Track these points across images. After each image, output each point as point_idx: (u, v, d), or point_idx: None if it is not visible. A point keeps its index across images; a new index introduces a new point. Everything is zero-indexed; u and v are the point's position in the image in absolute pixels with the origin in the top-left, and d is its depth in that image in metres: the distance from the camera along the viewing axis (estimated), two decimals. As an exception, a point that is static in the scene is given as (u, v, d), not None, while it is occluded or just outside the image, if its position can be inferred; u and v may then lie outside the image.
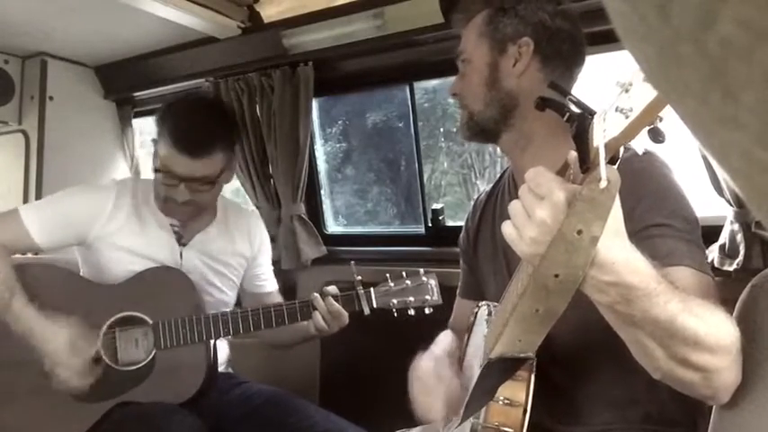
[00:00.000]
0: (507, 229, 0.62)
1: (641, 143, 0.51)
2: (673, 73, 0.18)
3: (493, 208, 1.12)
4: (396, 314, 1.29)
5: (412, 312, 1.28)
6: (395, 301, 1.28)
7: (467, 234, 1.18)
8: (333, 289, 1.30)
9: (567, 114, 0.57)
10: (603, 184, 0.50)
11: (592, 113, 0.54)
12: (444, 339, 1.08)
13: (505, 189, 1.10)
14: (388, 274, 1.31)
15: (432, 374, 0.94)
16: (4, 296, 1.20)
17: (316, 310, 1.27)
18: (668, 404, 0.89)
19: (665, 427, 0.90)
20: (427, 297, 1.29)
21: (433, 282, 1.30)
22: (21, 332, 1.20)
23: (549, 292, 0.58)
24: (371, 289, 1.29)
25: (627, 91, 0.48)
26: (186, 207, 1.33)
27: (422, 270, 1.31)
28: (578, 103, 0.57)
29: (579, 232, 0.54)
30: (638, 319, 0.62)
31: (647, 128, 0.48)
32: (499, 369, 0.70)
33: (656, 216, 0.80)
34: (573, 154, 0.57)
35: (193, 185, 1.29)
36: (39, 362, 1.24)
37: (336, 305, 1.26)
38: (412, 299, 1.28)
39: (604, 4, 0.19)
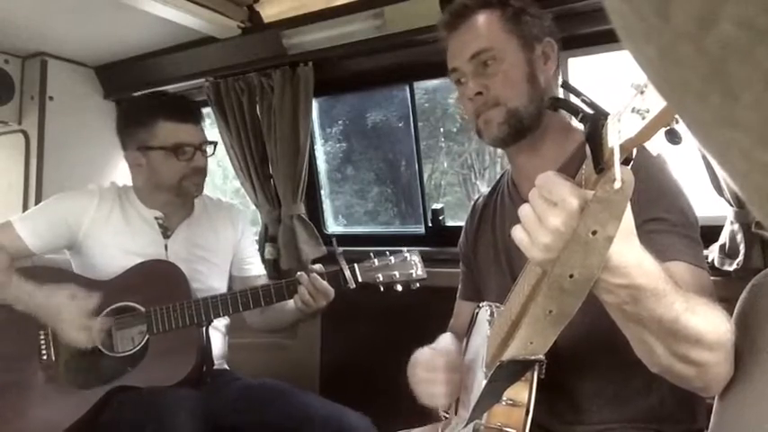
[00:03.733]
0: (518, 234, 0.62)
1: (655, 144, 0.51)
2: (673, 73, 0.18)
3: (492, 211, 1.12)
4: (382, 289, 1.31)
5: (399, 288, 1.31)
6: (380, 276, 1.31)
7: (466, 237, 1.18)
8: (318, 267, 1.33)
9: (581, 115, 0.57)
10: (618, 185, 0.50)
11: (605, 115, 0.54)
12: (445, 339, 1.09)
13: (504, 191, 1.10)
14: (372, 253, 1.33)
15: (435, 357, 0.95)
16: (2, 276, 1.28)
17: (301, 285, 1.29)
18: (668, 400, 0.90)
19: (666, 423, 0.90)
20: (411, 272, 1.32)
21: (416, 258, 1.34)
22: (23, 305, 1.26)
23: (564, 292, 0.58)
24: (356, 264, 1.32)
25: (642, 92, 0.47)
26: (201, 176, 1.45)
27: (405, 249, 1.34)
28: (591, 104, 0.57)
29: (594, 233, 0.54)
30: (643, 318, 0.64)
31: (664, 129, 0.48)
32: (509, 372, 0.70)
33: (653, 210, 0.82)
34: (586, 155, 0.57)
35: (203, 150, 1.44)
36: (36, 353, 1.29)
37: (321, 280, 1.29)
38: (397, 274, 1.31)
39: (604, 4, 0.19)
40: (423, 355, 0.98)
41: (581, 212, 0.55)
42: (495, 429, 0.77)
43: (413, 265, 1.33)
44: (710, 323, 0.66)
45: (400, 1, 1.56)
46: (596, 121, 0.55)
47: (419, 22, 1.54)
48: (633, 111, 0.48)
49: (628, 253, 0.60)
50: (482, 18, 0.97)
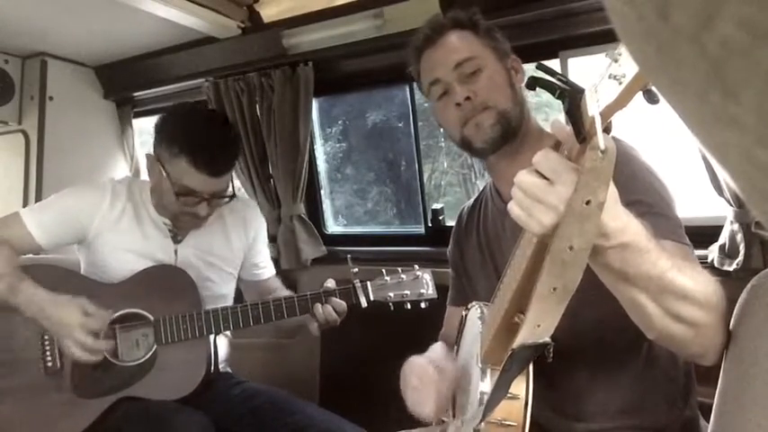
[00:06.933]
0: (515, 211, 0.63)
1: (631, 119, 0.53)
2: (672, 73, 0.18)
3: (477, 217, 1.15)
4: (392, 307, 1.30)
5: (408, 307, 1.30)
6: (391, 294, 1.30)
7: (455, 243, 1.21)
8: (331, 283, 1.32)
9: (559, 91, 0.59)
10: (601, 153, 0.52)
11: (581, 90, 0.56)
12: (436, 349, 1.09)
13: (488, 198, 1.14)
14: (383, 269, 1.33)
15: (428, 368, 0.95)
16: (13, 280, 1.22)
17: (317, 303, 1.29)
18: (661, 388, 0.93)
19: (659, 410, 0.93)
20: (422, 291, 1.31)
21: (427, 276, 1.33)
22: (31, 313, 1.20)
23: (566, 265, 0.60)
24: (368, 282, 1.31)
25: (617, 60, 0.50)
26: (196, 221, 1.38)
27: (416, 265, 1.33)
28: (567, 81, 0.60)
29: (588, 203, 0.56)
30: (630, 275, 0.66)
31: (642, 91, 0.49)
32: (521, 358, 0.71)
33: (629, 194, 0.83)
34: (566, 131, 0.59)
35: (213, 201, 1.35)
36: (41, 359, 1.26)
37: (335, 315, 1.28)
38: (408, 293, 1.30)
39: (604, 4, 0.19)
40: (416, 363, 0.98)
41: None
42: (495, 424, 0.77)
43: (424, 284, 1.32)
44: (698, 282, 0.69)
45: (400, 1, 1.56)
46: (573, 94, 0.56)
47: (419, 22, 1.52)
48: (610, 77, 0.50)
49: (617, 216, 0.63)
50: (457, 34, 1.03)
